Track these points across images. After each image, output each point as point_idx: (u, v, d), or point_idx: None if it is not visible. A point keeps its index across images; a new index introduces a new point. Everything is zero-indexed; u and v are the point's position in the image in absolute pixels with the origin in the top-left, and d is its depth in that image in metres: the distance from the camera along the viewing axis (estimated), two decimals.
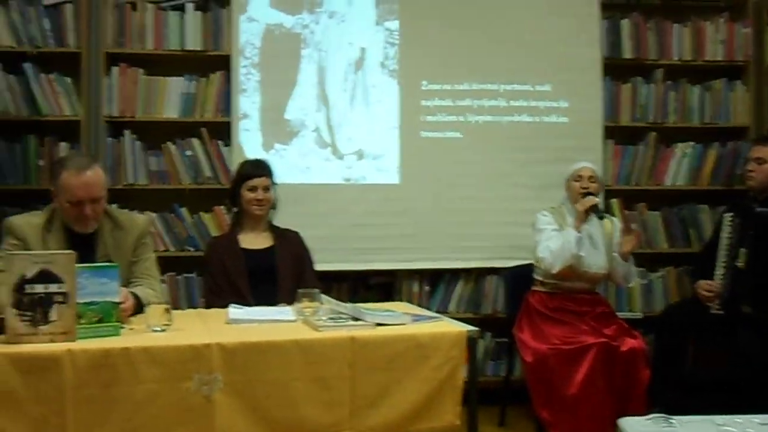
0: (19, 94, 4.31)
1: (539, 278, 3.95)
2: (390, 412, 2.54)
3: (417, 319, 2.80)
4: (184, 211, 4.46)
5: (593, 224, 3.85)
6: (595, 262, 3.84)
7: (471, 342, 2.64)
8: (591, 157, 4.29)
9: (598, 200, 3.86)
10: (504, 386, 4.23)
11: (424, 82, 4.61)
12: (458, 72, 4.63)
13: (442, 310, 4.37)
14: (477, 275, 4.64)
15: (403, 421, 2.56)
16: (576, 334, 3.69)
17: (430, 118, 4.61)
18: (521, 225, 4.19)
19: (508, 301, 4.26)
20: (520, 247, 4.27)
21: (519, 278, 4.13)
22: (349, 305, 2.80)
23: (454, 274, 4.64)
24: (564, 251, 3.74)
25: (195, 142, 4.45)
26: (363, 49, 4.59)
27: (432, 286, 4.64)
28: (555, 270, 3.77)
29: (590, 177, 3.91)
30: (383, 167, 4.58)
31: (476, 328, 2.72)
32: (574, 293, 3.87)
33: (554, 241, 3.79)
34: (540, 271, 3.92)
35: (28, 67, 4.30)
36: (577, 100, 4.69)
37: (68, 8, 4.36)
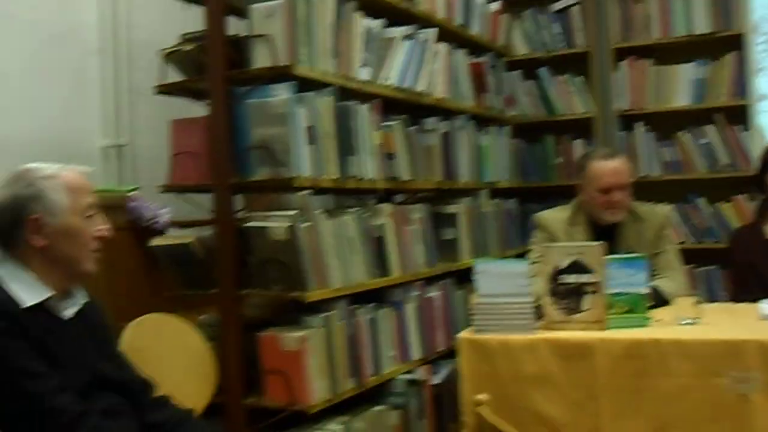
0: (536, 97, 4.65)
1: None
2: None
3: None
4: (701, 201, 4.32)
5: None
6: None
7: None
8: None
9: None
10: None
11: None
12: None
13: None
14: None
15: None
16: None
17: None
18: None
19: None
20: None
21: None
22: None
23: None
24: None
25: (709, 128, 4.29)
26: None
27: None
28: None
29: None
30: None
31: None
32: None
33: None
34: None
35: (542, 71, 4.61)
36: None
37: (575, 10, 4.55)
